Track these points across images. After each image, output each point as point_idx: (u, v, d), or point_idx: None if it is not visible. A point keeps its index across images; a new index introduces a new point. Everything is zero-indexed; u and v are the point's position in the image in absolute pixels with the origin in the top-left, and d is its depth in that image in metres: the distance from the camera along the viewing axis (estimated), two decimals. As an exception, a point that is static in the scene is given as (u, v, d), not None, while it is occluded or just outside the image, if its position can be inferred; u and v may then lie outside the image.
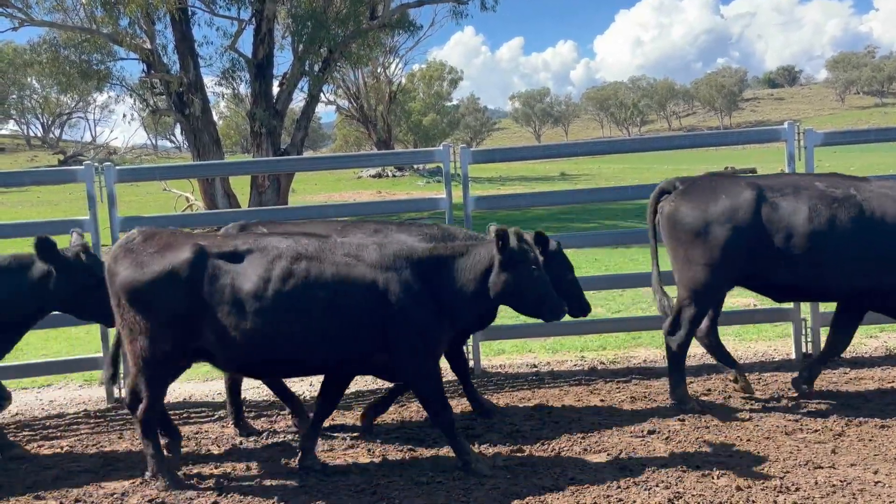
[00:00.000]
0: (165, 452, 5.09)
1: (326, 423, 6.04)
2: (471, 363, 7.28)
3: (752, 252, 5.62)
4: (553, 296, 4.95)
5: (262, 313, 4.58)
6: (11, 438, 5.79)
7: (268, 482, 4.93)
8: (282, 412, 6.32)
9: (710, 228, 5.65)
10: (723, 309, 6.40)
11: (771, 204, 5.61)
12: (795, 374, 6.22)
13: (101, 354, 6.96)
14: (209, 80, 24.30)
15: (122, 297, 4.72)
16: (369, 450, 5.41)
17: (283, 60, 43.21)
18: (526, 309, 5.00)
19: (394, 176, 41.88)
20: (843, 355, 7.24)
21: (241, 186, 24.60)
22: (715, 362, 7.22)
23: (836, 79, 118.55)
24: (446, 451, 5.29)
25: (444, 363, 5.65)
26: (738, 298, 9.00)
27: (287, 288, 4.60)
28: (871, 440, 5.17)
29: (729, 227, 5.60)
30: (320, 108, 66.98)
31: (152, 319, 4.68)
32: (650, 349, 7.86)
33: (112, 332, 6.54)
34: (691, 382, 6.64)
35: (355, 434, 5.76)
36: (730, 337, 7.97)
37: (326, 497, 4.65)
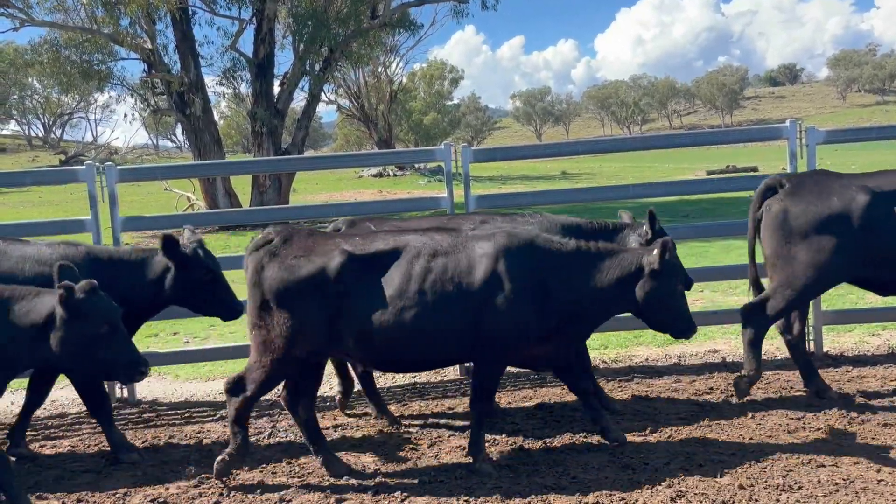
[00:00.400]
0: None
1: (329, 424, 6.05)
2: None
3: (862, 253, 5.61)
4: (688, 314, 4.99)
5: (404, 312, 4.64)
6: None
7: (270, 482, 4.93)
8: (283, 412, 6.31)
9: (821, 229, 5.63)
10: (724, 308, 6.38)
11: (881, 204, 5.59)
12: (798, 372, 6.21)
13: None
14: (210, 80, 24.33)
15: (271, 300, 4.73)
16: (373, 449, 5.40)
17: (283, 60, 43.35)
18: (659, 321, 5.00)
19: (395, 175, 41.83)
20: (845, 353, 7.25)
21: (242, 186, 24.60)
22: (718, 361, 7.24)
23: (838, 77, 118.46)
24: (448, 450, 5.29)
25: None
26: (741, 297, 8.97)
27: (426, 285, 4.67)
28: (873, 438, 5.16)
29: (841, 229, 5.59)
30: (321, 108, 67.04)
31: (299, 321, 4.69)
32: (651, 348, 7.85)
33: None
34: (693, 381, 6.64)
35: (358, 433, 5.76)
36: (732, 336, 7.96)
37: (329, 496, 4.65)
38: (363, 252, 4.78)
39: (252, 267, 4.84)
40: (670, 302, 4.88)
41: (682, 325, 4.97)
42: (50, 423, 6.40)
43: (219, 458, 4.84)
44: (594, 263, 4.85)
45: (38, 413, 6.68)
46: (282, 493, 4.72)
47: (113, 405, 6.82)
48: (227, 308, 5.63)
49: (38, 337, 4.28)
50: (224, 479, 4.84)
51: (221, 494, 4.73)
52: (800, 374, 6.19)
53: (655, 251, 4.77)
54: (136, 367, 4.47)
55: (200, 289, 5.57)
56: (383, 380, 7.16)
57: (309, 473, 5.01)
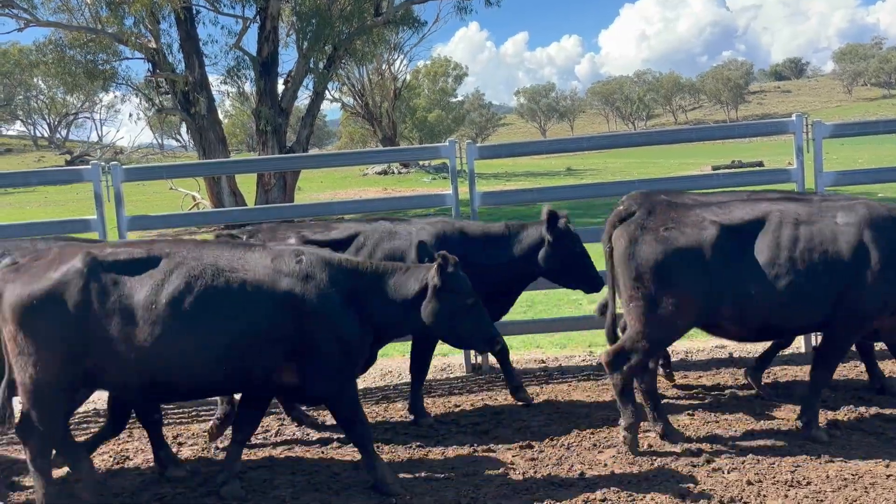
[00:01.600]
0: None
1: (332, 421, 6.04)
2: (478, 359, 7.28)
3: None
4: None
5: (778, 279, 4.73)
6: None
7: (277, 480, 4.93)
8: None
9: None
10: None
11: None
12: (805, 368, 6.18)
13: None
14: (214, 79, 24.44)
15: (646, 272, 4.83)
16: (379, 448, 5.40)
17: (287, 58, 43.16)
18: None
19: (399, 173, 41.82)
20: (852, 348, 7.21)
21: (247, 185, 24.62)
22: (725, 357, 7.21)
23: (843, 71, 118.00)
24: (454, 446, 5.29)
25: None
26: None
27: (796, 253, 4.75)
28: (882, 433, 5.14)
29: None
30: (325, 106, 66.84)
31: (679, 289, 4.80)
32: (658, 344, 7.81)
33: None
34: (700, 377, 6.62)
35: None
36: (738, 331, 7.92)
37: (336, 494, 4.65)
38: (731, 221, 4.87)
39: (623, 241, 4.94)
40: None
41: None
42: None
43: (622, 434, 5.01)
44: None
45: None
46: (289, 491, 4.72)
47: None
48: (593, 281, 5.92)
49: (411, 307, 4.54)
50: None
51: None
52: None
53: None
54: (494, 338, 4.73)
55: (572, 262, 5.82)
56: (388, 377, 7.15)
57: (315, 472, 5.02)
